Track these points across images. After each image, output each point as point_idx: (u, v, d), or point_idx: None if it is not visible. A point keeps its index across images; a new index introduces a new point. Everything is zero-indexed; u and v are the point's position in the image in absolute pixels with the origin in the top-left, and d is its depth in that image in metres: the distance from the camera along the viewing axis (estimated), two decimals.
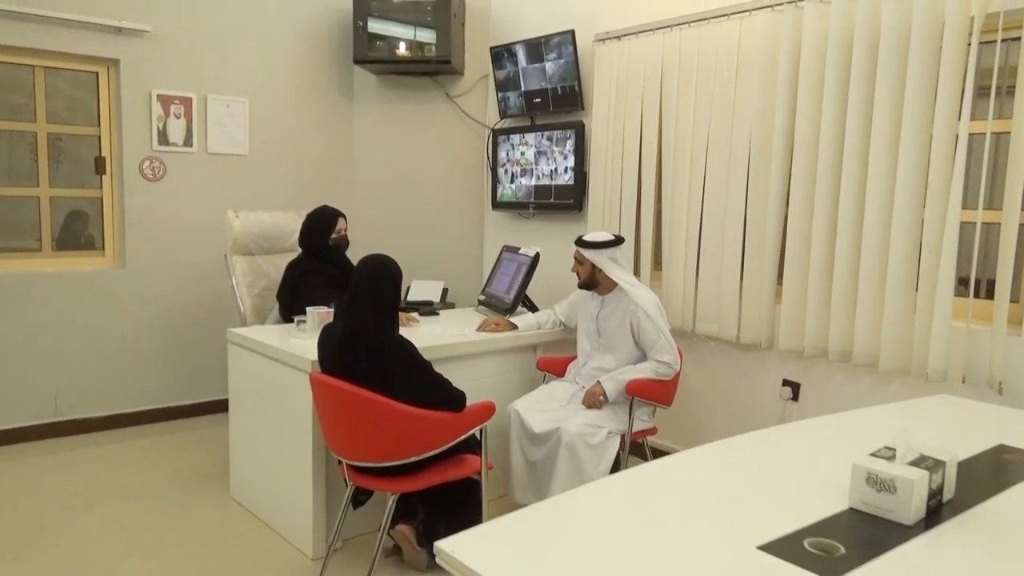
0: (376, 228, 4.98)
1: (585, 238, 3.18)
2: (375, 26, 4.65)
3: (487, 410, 2.60)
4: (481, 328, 3.39)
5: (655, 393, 3.07)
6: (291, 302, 3.57)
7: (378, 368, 2.42)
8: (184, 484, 3.57)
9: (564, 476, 2.90)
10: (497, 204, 4.78)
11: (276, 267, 4.00)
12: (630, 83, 3.90)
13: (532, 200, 4.53)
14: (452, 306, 4.70)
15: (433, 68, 4.79)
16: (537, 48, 4.35)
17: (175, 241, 4.48)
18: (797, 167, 3.19)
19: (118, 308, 4.32)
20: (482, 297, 4.06)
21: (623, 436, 3.01)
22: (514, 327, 3.40)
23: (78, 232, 4.40)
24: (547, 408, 3.12)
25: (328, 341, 2.57)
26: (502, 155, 4.71)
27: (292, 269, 3.60)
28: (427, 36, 4.62)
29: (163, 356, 4.50)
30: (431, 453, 2.45)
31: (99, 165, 4.35)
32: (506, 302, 3.77)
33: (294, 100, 4.88)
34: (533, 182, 4.52)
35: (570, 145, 4.25)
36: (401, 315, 3.61)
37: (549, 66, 4.30)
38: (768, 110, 3.29)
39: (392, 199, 5.12)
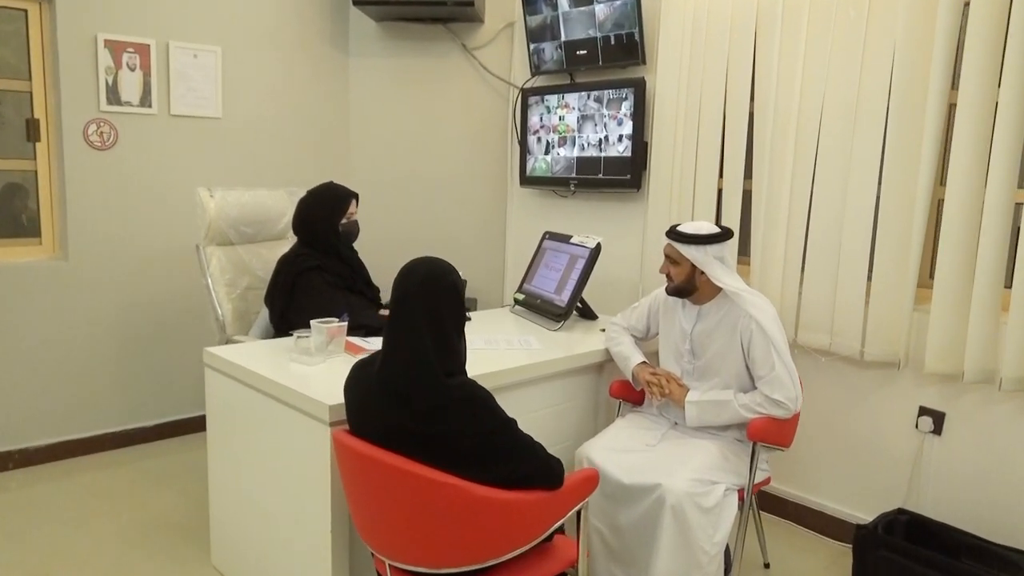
0: (376, 209, 4.11)
1: (682, 229, 2.41)
2: None
3: (590, 482, 1.83)
4: (646, 388, 2.48)
5: (777, 434, 2.33)
6: (286, 308, 2.75)
7: (442, 430, 1.63)
8: (149, 545, 2.75)
9: (670, 552, 2.15)
10: (526, 180, 3.97)
11: (262, 260, 3.17)
12: (712, 28, 3.10)
13: (573, 175, 3.72)
14: (474, 304, 3.92)
15: (448, 12, 3.93)
16: None
17: (131, 226, 3.59)
18: (961, 132, 2.43)
19: (60, 310, 3.43)
20: (520, 296, 3.27)
21: (741, 491, 2.28)
22: (687, 390, 2.45)
23: (16, 211, 3.49)
24: (629, 450, 2.36)
25: (361, 385, 1.77)
26: (534, 120, 3.89)
27: (288, 265, 2.78)
28: None
29: (118, 369, 3.63)
30: (518, 552, 1.69)
31: (31, 129, 3.43)
32: (558, 305, 2.99)
33: (277, 51, 3.98)
34: (575, 153, 3.71)
35: (626, 108, 3.45)
36: (385, 312, 2.82)
37: (600, 9, 3.47)
38: (920, 56, 2.52)
39: (395, 173, 4.27)
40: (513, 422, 1.72)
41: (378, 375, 1.71)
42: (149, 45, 3.56)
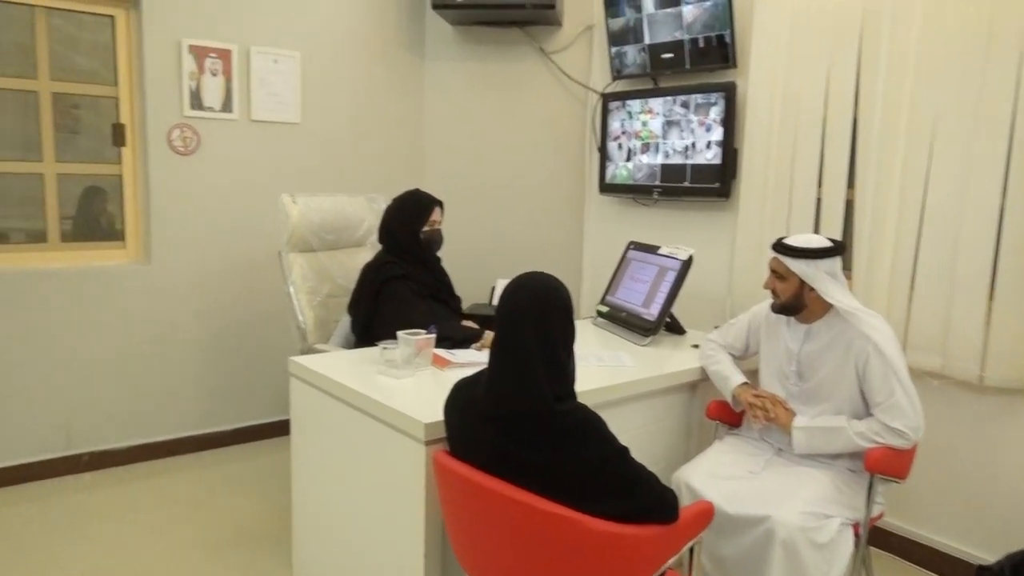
0: (449, 215, 4.06)
1: (791, 243, 2.26)
2: None
3: (705, 516, 1.72)
4: (748, 411, 2.34)
5: (896, 466, 2.16)
6: (370, 318, 2.69)
7: (552, 458, 1.53)
8: (229, 553, 2.73)
9: None
10: (606, 187, 3.85)
11: (343, 267, 3.13)
12: (812, 28, 2.94)
13: (657, 183, 3.59)
14: None
15: (527, 15, 3.85)
16: None
17: (213, 230, 3.60)
18: None
19: (142, 313, 3.46)
20: (603, 308, 3.16)
21: (856, 526, 2.12)
22: (793, 414, 2.29)
23: (96, 214, 3.53)
24: (732, 477, 2.22)
25: (464, 406, 1.69)
26: (615, 126, 3.77)
27: (373, 273, 2.72)
28: None
29: (199, 373, 3.64)
30: None
31: (117, 134, 3.46)
32: (646, 319, 2.87)
33: (355, 56, 3.95)
34: (659, 160, 3.58)
35: (715, 113, 3.31)
36: (469, 323, 2.74)
37: (688, 10, 3.34)
38: None
39: (469, 179, 4.20)
40: (626, 451, 1.61)
41: (484, 397, 1.61)
42: (231, 51, 3.57)
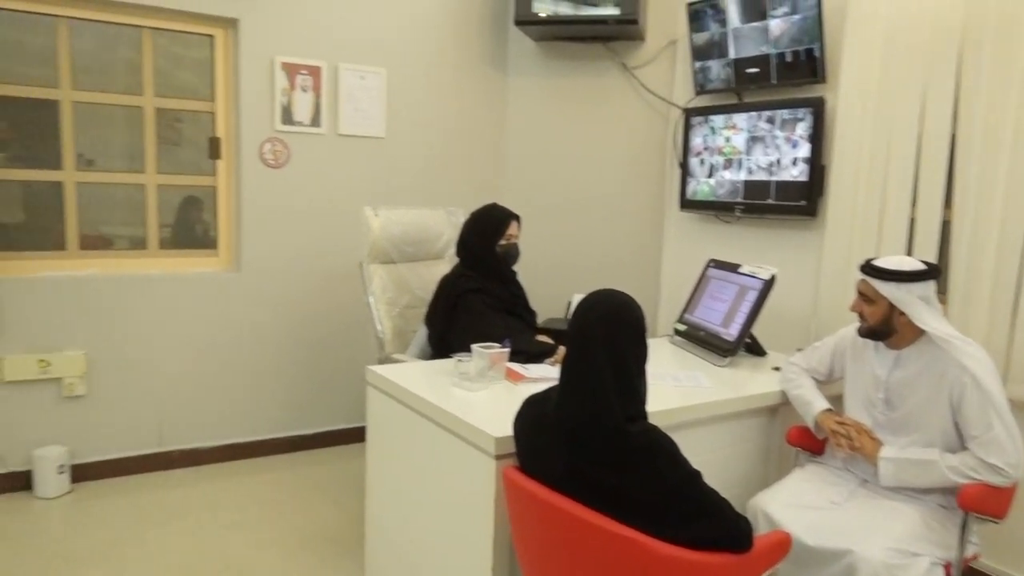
0: (526, 229, 4.08)
1: (880, 264, 2.16)
2: None
3: (781, 547, 1.66)
4: (831, 438, 2.23)
5: (993, 504, 2.04)
6: (446, 330, 2.73)
7: (621, 480, 1.51)
8: (306, 554, 2.80)
9: None
10: (687, 203, 3.79)
11: (421, 279, 3.18)
12: (907, 42, 2.82)
13: (739, 199, 3.51)
14: None
15: (610, 31, 3.84)
16: (758, 1, 3.31)
17: (299, 241, 3.73)
18: None
19: (232, 319, 3.62)
20: (681, 327, 3.10)
21: (948, 566, 2.00)
22: (880, 444, 2.18)
23: (193, 223, 3.72)
24: (812, 507, 2.13)
25: (534, 423, 1.69)
26: (697, 141, 3.71)
27: (449, 286, 2.76)
28: None
29: (282, 378, 3.78)
30: None
31: (213, 147, 3.64)
32: (725, 339, 2.80)
33: (439, 71, 4.03)
34: (743, 176, 3.50)
35: (802, 129, 3.21)
36: (544, 338, 2.72)
37: (775, 24, 3.26)
38: None
39: (548, 194, 4.21)
40: (698, 475, 1.57)
41: (555, 415, 1.61)
42: (321, 68, 3.69)
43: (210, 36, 3.57)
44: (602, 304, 1.65)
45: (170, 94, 3.54)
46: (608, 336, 1.60)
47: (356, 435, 3.85)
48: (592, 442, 1.54)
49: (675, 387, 2.43)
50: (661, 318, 3.96)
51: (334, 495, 3.33)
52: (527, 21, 3.82)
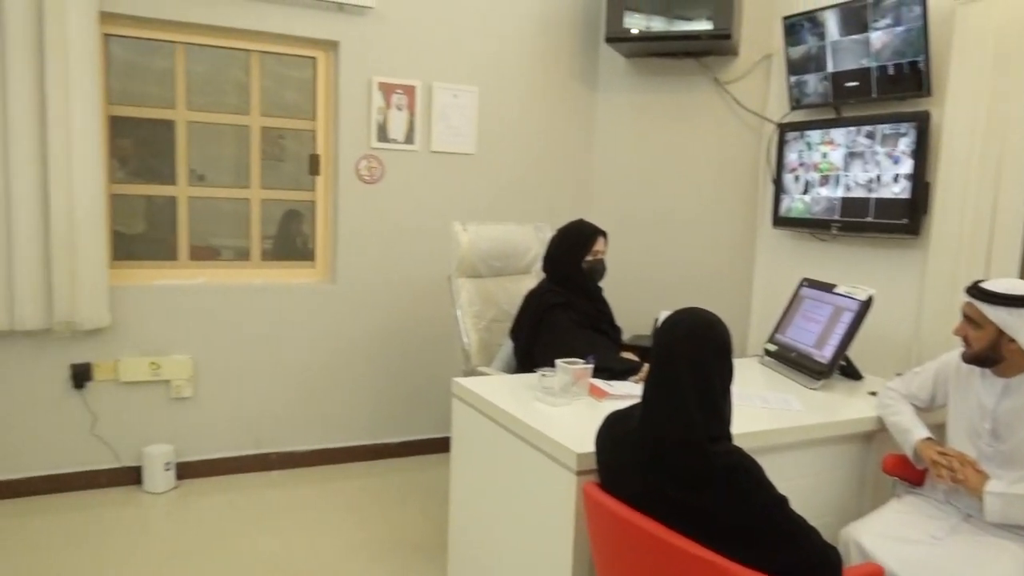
0: (613, 246, 4.07)
1: (989, 287, 2.05)
2: None
3: None
4: (931, 469, 2.11)
5: None
6: (530, 344, 2.76)
7: (703, 501, 1.49)
8: (391, 559, 2.88)
9: None
10: (780, 220, 3.70)
11: (508, 293, 3.23)
12: (1019, 54, 2.67)
13: (836, 217, 3.40)
14: None
15: (703, 46, 3.81)
16: (859, 14, 3.21)
17: (391, 254, 3.85)
18: None
19: (326, 328, 3.77)
20: (771, 347, 3.02)
21: None
22: (986, 477, 2.04)
23: (293, 235, 3.90)
24: (910, 540, 2.03)
25: (616, 440, 1.69)
26: (791, 157, 3.62)
27: (535, 301, 2.79)
28: (700, 5, 3.65)
29: (372, 386, 3.90)
30: None
31: (313, 164, 3.81)
32: (818, 361, 2.71)
33: (529, 88, 4.09)
34: (840, 193, 3.39)
35: (905, 144, 3.08)
36: (629, 355, 2.69)
37: (876, 37, 3.15)
38: None
39: (636, 211, 4.19)
40: (785, 500, 1.53)
41: (637, 432, 1.61)
42: (415, 86, 3.82)
43: (312, 58, 3.75)
44: (687, 322, 1.64)
45: (275, 113, 3.73)
46: (693, 354, 1.58)
47: (441, 445, 3.92)
48: (674, 461, 1.52)
49: (764, 408, 2.37)
50: (751, 338, 3.87)
51: (419, 503, 3.41)
52: (619, 38, 3.83)
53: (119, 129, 3.46)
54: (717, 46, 3.79)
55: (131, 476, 3.45)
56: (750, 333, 3.88)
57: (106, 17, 3.24)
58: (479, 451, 2.45)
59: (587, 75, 4.23)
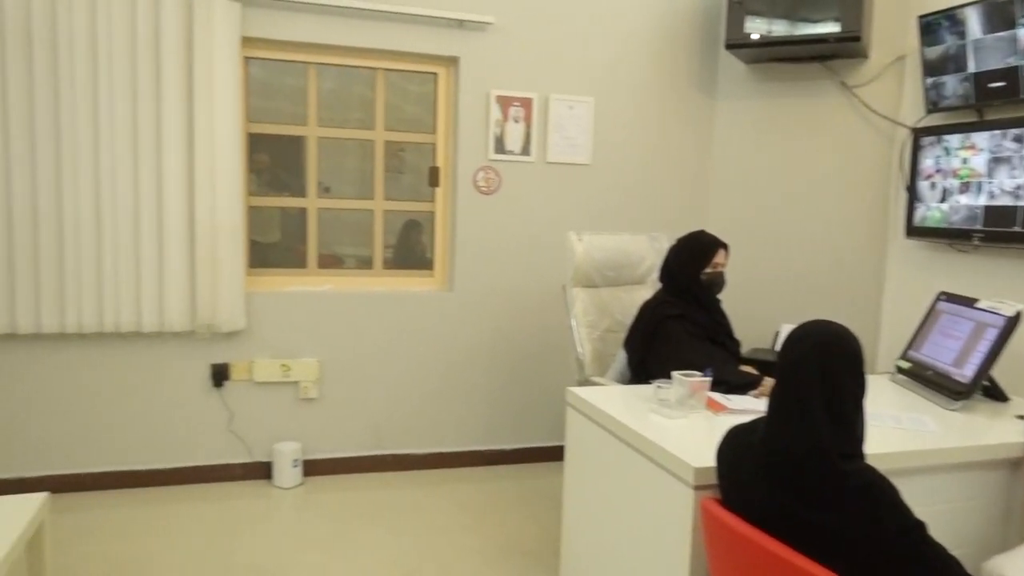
0: (733, 255, 3.97)
1: None
2: (755, 2, 3.67)
3: None
4: None
5: None
6: (645, 355, 2.73)
7: (832, 522, 1.43)
8: (504, 565, 2.92)
9: None
10: (914, 230, 3.49)
11: (622, 303, 3.22)
12: None
13: (978, 226, 3.18)
14: None
15: (829, 49, 3.66)
16: (1004, 10, 3.00)
17: (507, 264, 3.92)
18: None
19: (444, 335, 3.87)
20: (904, 364, 2.85)
21: None
22: None
23: (413, 244, 4.05)
24: None
25: (738, 454, 1.65)
26: (927, 163, 3.42)
27: (650, 311, 2.77)
28: (826, 6, 3.52)
29: (487, 393, 3.98)
30: None
31: (433, 176, 3.94)
32: (958, 380, 2.53)
33: (646, 98, 4.07)
34: (982, 201, 3.16)
35: None
36: (748, 368, 2.60)
37: None
38: None
39: (756, 220, 4.07)
40: (923, 525, 1.45)
41: (761, 447, 1.56)
42: (532, 99, 3.87)
43: (434, 73, 3.88)
44: (816, 333, 1.58)
45: (397, 127, 3.89)
46: (822, 366, 1.52)
47: (555, 453, 3.94)
48: (801, 478, 1.47)
49: (896, 429, 2.24)
50: (881, 354, 3.66)
51: (532, 509, 3.43)
52: (739, 44, 3.74)
53: (256, 145, 3.71)
54: (845, 49, 3.63)
55: (262, 471, 3.67)
56: (879, 349, 3.68)
57: (247, 41, 3.49)
58: (593, 461, 2.45)
59: (705, 82, 4.15)
